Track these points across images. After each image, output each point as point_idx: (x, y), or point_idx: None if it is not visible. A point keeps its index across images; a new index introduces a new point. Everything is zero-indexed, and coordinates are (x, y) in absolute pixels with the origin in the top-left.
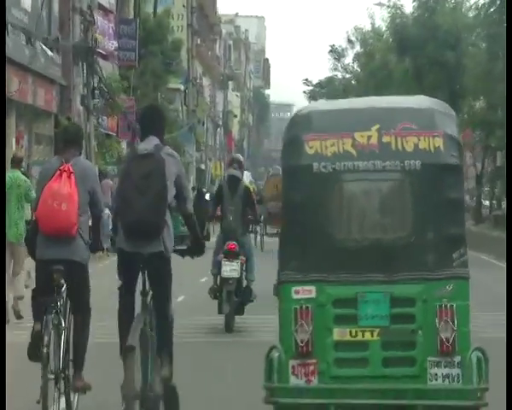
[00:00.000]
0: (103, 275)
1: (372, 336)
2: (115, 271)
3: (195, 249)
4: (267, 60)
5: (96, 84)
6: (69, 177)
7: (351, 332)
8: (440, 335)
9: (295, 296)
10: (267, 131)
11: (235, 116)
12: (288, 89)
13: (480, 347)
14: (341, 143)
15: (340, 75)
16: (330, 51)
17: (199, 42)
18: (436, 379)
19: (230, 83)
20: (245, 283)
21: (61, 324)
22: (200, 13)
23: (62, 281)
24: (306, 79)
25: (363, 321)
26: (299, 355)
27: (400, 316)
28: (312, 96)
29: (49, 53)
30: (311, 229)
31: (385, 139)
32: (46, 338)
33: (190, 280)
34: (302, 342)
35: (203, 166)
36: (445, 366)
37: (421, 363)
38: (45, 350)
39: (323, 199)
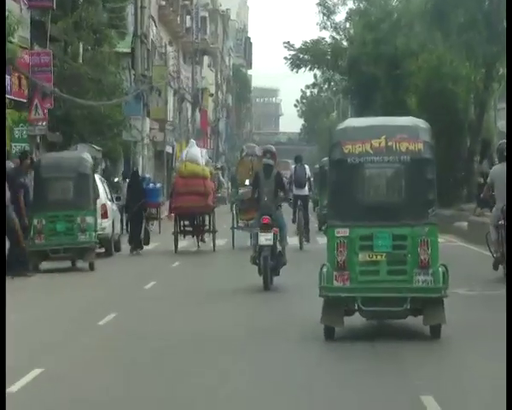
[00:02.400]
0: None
1: (381, 257)
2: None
3: None
4: (249, 38)
5: None
6: None
7: (369, 255)
8: (421, 256)
9: (337, 235)
10: (248, 113)
11: (212, 95)
12: (272, 73)
13: (443, 263)
14: (364, 146)
15: (328, 37)
16: (319, 4)
17: (163, 3)
18: (418, 282)
19: (206, 58)
20: (279, 249)
21: None
22: None
23: None
24: (288, 42)
25: (376, 249)
26: (339, 269)
27: (398, 246)
28: (295, 62)
29: None
30: (346, 196)
31: (389, 144)
32: None
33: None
34: (340, 261)
35: (169, 149)
36: (423, 275)
37: (409, 272)
38: None
39: (353, 179)
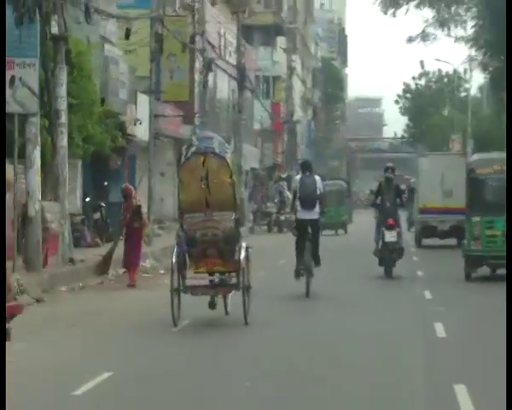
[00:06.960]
0: None
1: (499, 233)
2: None
3: None
4: (343, 30)
5: None
6: None
7: (492, 232)
8: None
9: (473, 220)
10: (343, 115)
11: (284, 82)
12: (373, 81)
13: None
14: (489, 169)
15: None
16: None
17: None
18: None
19: (281, 39)
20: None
21: None
22: None
23: None
24: None
25: (495, 228)
26: (474, 239)
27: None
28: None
29: None
30: (478, 198)
31: (503, 168)
32: None
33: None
34: (476, 235)
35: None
36: None
37: None
38: None
39: (483, 188)
